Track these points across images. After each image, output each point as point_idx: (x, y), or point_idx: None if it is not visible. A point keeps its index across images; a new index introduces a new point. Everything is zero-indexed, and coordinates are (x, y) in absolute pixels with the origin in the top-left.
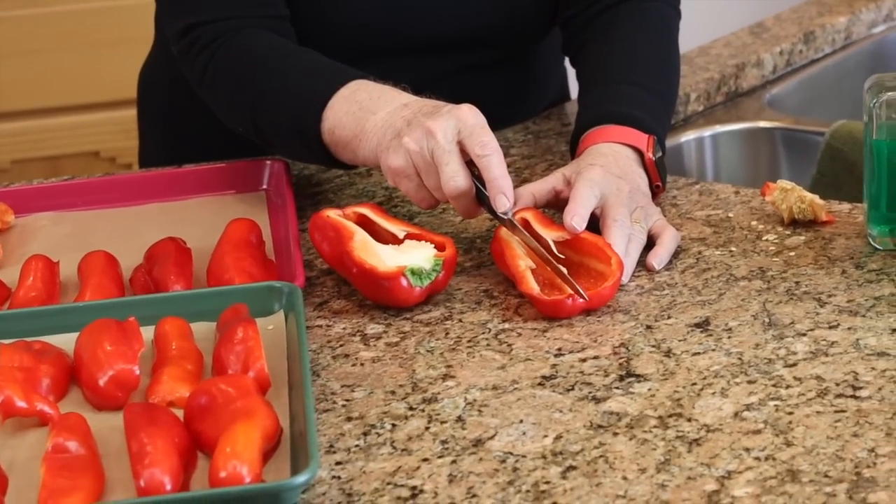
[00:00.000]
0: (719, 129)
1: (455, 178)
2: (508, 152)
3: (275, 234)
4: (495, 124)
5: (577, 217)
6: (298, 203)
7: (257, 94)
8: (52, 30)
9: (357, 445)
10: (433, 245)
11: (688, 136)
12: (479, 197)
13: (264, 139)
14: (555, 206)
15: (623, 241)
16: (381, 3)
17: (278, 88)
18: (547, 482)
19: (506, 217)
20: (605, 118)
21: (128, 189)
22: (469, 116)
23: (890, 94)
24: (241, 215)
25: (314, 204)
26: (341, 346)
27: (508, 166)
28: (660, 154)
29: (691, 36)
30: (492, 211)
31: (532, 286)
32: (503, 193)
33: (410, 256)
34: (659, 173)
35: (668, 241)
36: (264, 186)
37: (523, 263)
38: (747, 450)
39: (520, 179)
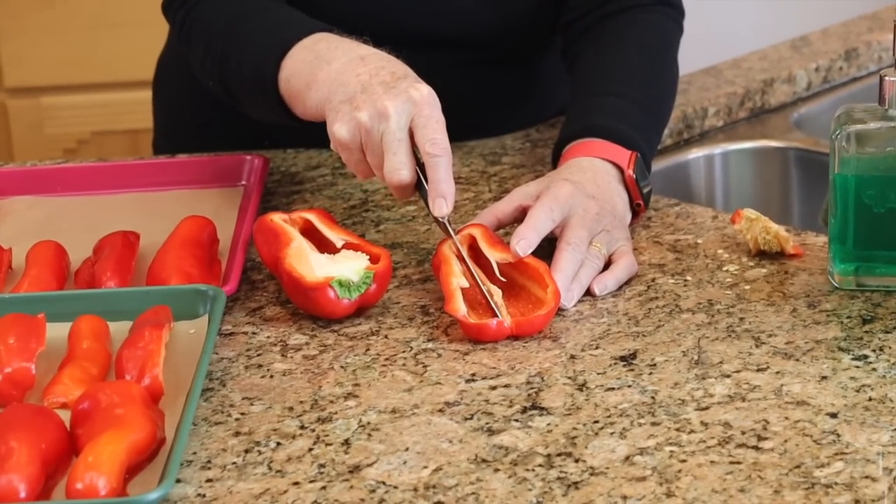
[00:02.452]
0: (730, 147)
1: (400, 170)
2: (500, 160)
3: (235, 234)
4: (496, 123)
5: (523, 242)
6: (273, 202)
7: (226, 45)
8: (137, 4)
9: (234, 463)
10: (368, 257)
11: (696, 154)
12: (419, 186)
13: (230, 93)
14: None
15: (572, 267)
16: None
17: (246, 39)
18: None
19: (441, 221)
20: (588, 131)
21: (108, 177)
22: (425, 105)
23: (856, 126)
24: (214, 210)
25: (288, 203)
26: (259, 355)
27: (496, 175)
28: (643, 172)
29: (733, 47)
30: (427, 204)
31: (457, 307)
32: (443, 198)
33: (341, 267)
34: (640, 192)
35: (618, 270)
36: (243, 182)
37: (455, 282)
38: (624, 498)
39: (501, 190)
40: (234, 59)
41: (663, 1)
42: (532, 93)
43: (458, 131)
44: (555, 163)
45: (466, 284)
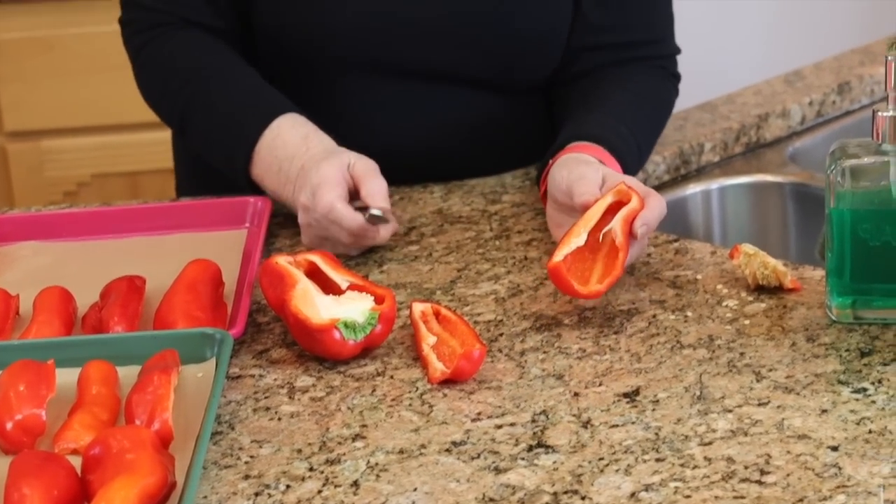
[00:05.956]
0: (726, 182)
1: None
2: (500, 199)
3: (240, 277)
4: (497, 151)
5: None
6: (277, 244)
7: (186, 106)
8: None
9: None
10: (373, 298)
11: (693, 189)
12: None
13: (189, 144)
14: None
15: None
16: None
17: (208, 114)
18: None
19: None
20: (581, 137)
21: (112, 222)
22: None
23: (850, 161)
24: (220, 253)
25: (292, 245)
26: (266, 398)
27: (497, 214)
28: None
29: (728, 82)
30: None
31: (433, 371)
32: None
33: (346, 309)
34: None
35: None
36: (246, 224)
37: (425, 347)
38: None
39: (502, 228)
40: (198, 130)
41: (669, 70)
42: (529, 129)
43: (458, 163)
44: (539, 173)
45: (434, 341)
